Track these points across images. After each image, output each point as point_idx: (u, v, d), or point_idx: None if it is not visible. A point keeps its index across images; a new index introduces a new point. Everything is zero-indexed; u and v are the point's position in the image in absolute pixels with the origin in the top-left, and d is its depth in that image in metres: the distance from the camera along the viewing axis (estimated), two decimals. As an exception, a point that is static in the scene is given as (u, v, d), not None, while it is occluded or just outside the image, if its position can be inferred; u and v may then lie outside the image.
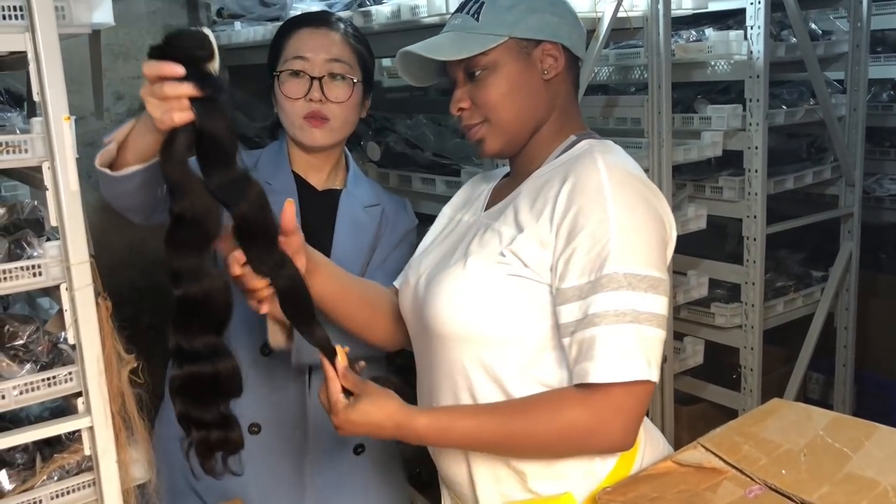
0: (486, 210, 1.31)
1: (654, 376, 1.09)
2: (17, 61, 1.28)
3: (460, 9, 1.25)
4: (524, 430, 1.10)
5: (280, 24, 1.73)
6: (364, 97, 1.62)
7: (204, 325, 1.14)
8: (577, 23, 1.26)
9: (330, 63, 1.55)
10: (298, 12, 2.19)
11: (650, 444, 1.26)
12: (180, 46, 1.01)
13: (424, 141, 2.29)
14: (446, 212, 1.42)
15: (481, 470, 1.21)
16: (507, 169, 1.39)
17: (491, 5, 1.20)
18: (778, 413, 1.23)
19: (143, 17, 2.79)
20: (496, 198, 1.31)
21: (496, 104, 1.21)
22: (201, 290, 1.10)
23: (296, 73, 1.55)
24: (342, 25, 1.62)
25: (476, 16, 1.20)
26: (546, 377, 1.17)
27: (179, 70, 1.00)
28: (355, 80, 1.57)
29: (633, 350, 1.07)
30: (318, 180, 1.65)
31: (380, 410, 1.12)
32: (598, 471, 1.19)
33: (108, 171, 1.28)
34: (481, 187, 1.39)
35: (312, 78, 1.54)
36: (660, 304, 1.10)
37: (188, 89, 1.01)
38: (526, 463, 1.19)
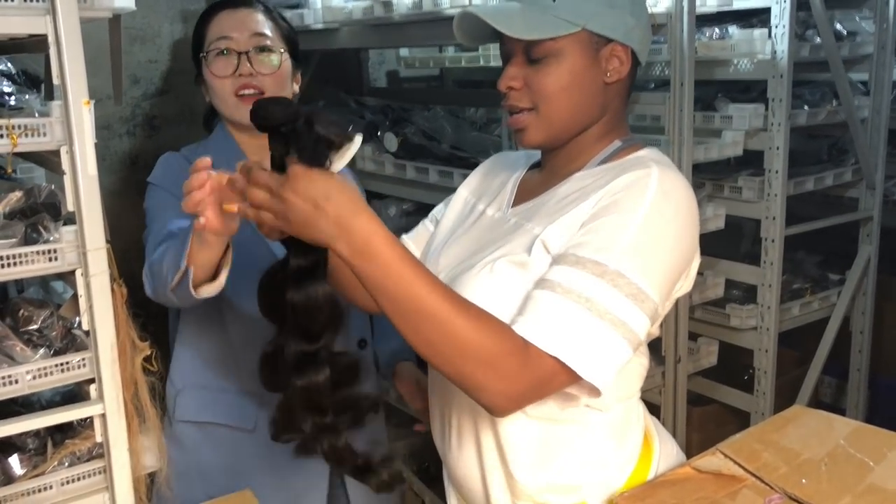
0: (513, 206, 1.24)
1: (586, 373, 1.00)
2: (36, 43, 1.27)
3: None
4: (453, 317, 0.97)
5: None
6: (294, 71, 1.64)
7: None
8: (649, 28, 1.20)
9: (255, 38, 1.57)
10: (318, 0, 2.19)
11: (664, 453, 1.24)
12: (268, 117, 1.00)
13: (442, 133, 2.27)
14: (462, 193, 1.36)
15: (496, 476, 1.19)
16: (529, 155, 1.33)
17: None
18: (798, 420, 1.21)
19: (161, 2, 2.78)
20: (525, 193, 1.24)
21: (552, 95, 1.13)
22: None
23: (222, 52, 1.57)
24: (261, 5, 1.64)
25: None
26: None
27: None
28: (282, 51, 1.60)
29: (573, 330, 1.00)
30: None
31: (337, 183, 0.95)
32: (613, 481, 1.17)
33: (193, 292, 1.26)
34: (502, 175, 1.32)
35: (239, 53, 1.56)
36: (636, 319, 1.02)
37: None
38: (540, 475, 1.16)
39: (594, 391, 1.03)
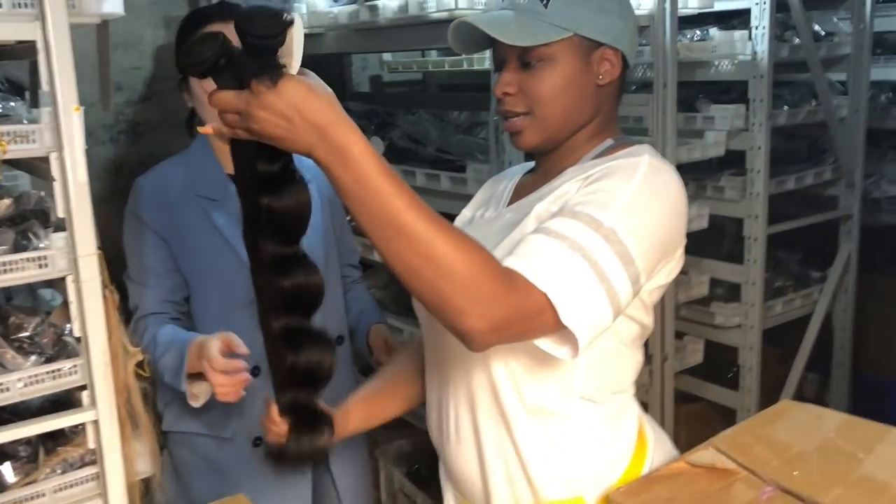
0: (508, 205, 1.27)
1: (569, 318, 0.97)
2: (21, 50, 1.27)
3: None
4: (432, 234, 0.92)
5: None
6: None
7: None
8: (636, 32, 1.23)
9: None
10: (303, 5, 2.19)
11: (659, 448, 1.25)
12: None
13: (427, 136, 2.28)
14: (466, 213, 1.38)
15: (495, 469, 1.20)
16: (524, 166, 1.37)
17: None
18: (788, 414, 1.23)
19: (144, 8, 2.77)
20: (520, 193, 1.26)
21: (546, 99, 1.16)
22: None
23: None
24: None
25: (545, 1, 1.15)
26: (572, 380, 1.16)
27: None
28: None
29: (565, 272, 0.99)
30: None
31: (308, 93, 0.90)
32: (608, 476, 1.18)
33: (194, 404, 1.55)
34: (502, 185, 1.35)
35: None
36: (621, 279, 1.02)
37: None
38: (537, 467, 1.17)
39: (571, 348, 1.01)
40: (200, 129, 0.99)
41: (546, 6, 1.14)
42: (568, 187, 1.14)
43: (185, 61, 0.91)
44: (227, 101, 0.91)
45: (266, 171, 0.97)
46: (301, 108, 0.89)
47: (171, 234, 1.65)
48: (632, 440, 1.22)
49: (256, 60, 0.90)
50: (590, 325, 1.00)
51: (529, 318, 0.98)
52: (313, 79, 0.93)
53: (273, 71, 0.89)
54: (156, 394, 1.71)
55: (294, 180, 0.99)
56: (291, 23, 0.89)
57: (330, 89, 0.93)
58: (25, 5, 1.11)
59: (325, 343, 1.10)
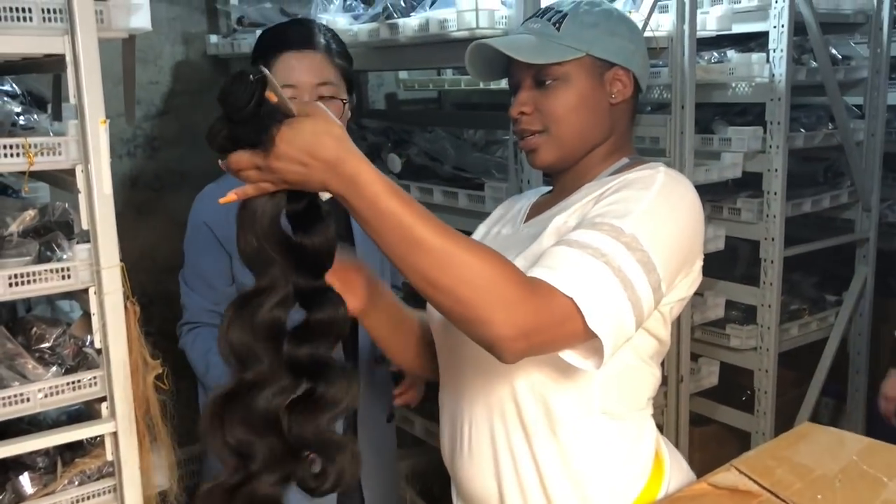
0: (525, 222, 1.29)
1: (595, 323, 0.97)
2: (46, 63, 1.28)
3: (540, 14, 1.24)
4: (447, 245, 0.93)
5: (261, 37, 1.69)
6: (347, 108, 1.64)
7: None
8: (646, 55, 1.27)
9: (319, 87, 1.56)
10: (323, 23, 2.20)
11: (675, 468, 1.24)
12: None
13: (444, 154, 2.29)
14: (481, 229, 1.40)
15: (511, 486, 1.19)
16: (539, 190, 1.39)
17: (573, 19, 1.20)
18: (809, 437, 1.22)
19: (163, 24, 2.80)
20: (536, 212, 1.29)
21: (561, 117, 1.20)
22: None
23: None
24: (324, 42, 1.62)
25: (557, 25, 1.20)
26: (589, 393, 1.16)
27: None
28: (344, 100, 1.59)
29: (589, 279, 0.99)
30: None
31: (312, 135, 0.93)
32: (625, 495, 1.17)
33: None
34: (519, 204, 1.37)
35: None
36: (643, 287, 1.02)
37: None
38: (555, 483, 1.17)
39: (597, 360, 1.01)
40: (221, 201, 1.02)
41: (559, 30, 1.19)
42: (586, 201, 1.16)
43: (225, 107, 0.92)
44: (244, 162, 0.95)
45: (294, 211, 1.01)
46: (311, 150, 0.93)
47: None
48: (650, 460, 1.21)
49: (261, 124, 0.93)
50: (615, 332, 1.00)
51: (556, 325, 0.99)
52: (320, 111, 0.96)
53: (272, 124, 0.93)
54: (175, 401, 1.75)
55: (321, 216, 1.02)
56: (262, 80, 0.91)
57: (336, 120, 0.96)
58: (55, 20, 1.13)
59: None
